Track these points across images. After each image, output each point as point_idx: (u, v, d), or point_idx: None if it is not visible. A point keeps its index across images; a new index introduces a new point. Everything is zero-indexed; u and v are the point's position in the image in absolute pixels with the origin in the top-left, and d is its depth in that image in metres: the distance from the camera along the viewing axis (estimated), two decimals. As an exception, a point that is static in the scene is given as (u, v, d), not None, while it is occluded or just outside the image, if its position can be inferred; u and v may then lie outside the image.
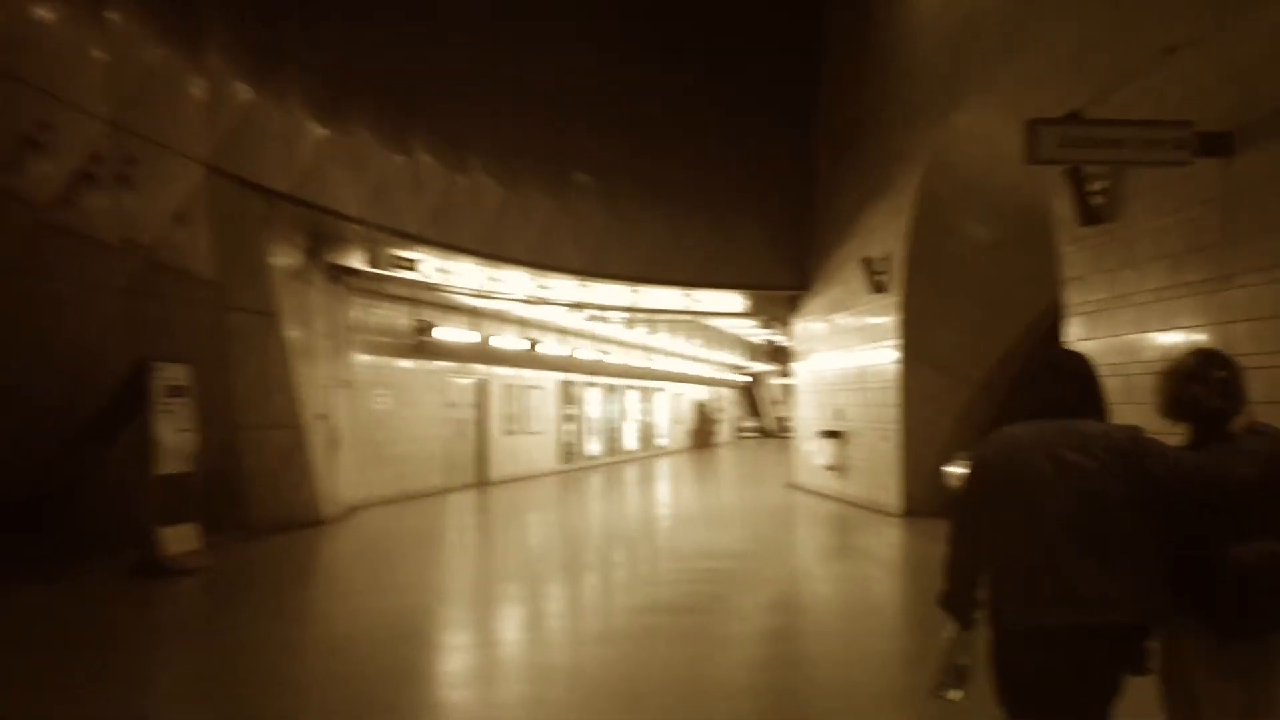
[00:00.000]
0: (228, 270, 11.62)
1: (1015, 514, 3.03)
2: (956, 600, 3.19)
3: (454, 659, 7.34)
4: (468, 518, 16.90)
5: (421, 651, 7.36)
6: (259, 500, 13.09)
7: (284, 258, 12.96)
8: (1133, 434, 3.07)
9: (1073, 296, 10.50)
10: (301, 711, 5.79)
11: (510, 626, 8.49)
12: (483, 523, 16.45)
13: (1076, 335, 10.44)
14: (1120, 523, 2.95)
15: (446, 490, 19.71)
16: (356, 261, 14.44)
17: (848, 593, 9.96)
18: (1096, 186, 9.84)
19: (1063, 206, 10.51)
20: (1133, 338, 9.39)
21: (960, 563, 3.20)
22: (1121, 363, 9.53)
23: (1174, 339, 8.77)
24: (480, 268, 16.58)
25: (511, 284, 17.44)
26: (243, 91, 11.43)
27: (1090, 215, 9.88)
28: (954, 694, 3.18)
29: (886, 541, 13.47)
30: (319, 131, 12.74)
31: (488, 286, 17.01)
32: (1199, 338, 8.45)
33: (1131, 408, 9.05)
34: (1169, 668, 3.20)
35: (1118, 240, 9.65)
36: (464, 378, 20.93)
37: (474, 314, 20.39)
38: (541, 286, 17.96)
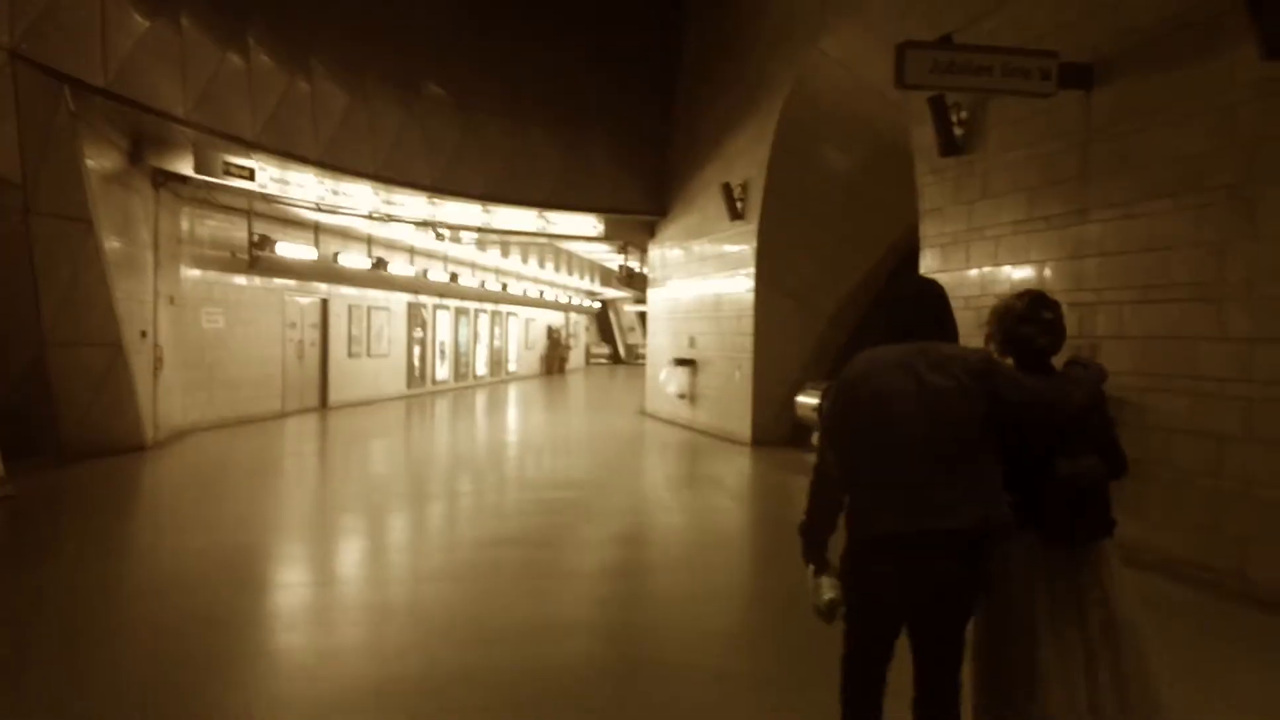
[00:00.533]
0: (32, 171, 10.42)
1: (876, 428, 3.16)
2: (814, 527, 3.37)
3: (284, 599, 6.82)
4: (305, 444, 16.12)
5: (247, 592, 6.79)
6: (72, 424, 12.04)
7: (101, 160, 11.75)
8: (986, 358, 3.27)
9: (929, 228, 10.51)
10: (104, 665, 5.20)
11: (346, 563, 7.99)
12: (321, 449, 15.71)
13: (931, 267, 10.47)
14: (971, 438, 3.13)
15: (285, 415, 18.78)
16: (184, 167, 13.26)
17: (696, 524, 9.83)
18: (958, 117, 9.80)
19: (924, 136, 10.45)
20: (987, 270, 9.45)
21: (821, 492, 3.36)
22: (975, 295, 9.59)
23: (1027, 273, 8.84)
24: (322, 179, 15.57)
25: (357, 198, 16.47)
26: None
27: (951, 146, 9.85)
28: (838, 614, 3.29)
29: (736, 470, 13.48)
30: (139, 22, 11.50)
31: (330, 200, 16.01)
32: (1051, 272, 8.53)
33: (977, 339, 9.11)
34: (1000, 576, 3.32)
35: (976, 173, 9.65)
36: (305, 297, 19.88)
37: (317, 230, 19.29)
38: (389, 202, 17.05)
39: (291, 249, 17.77)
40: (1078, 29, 8.25)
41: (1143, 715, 3.31)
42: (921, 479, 3.10)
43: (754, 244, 15.23)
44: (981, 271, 9.50)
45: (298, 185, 15.26)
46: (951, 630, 3.22)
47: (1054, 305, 3.60)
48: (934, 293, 3.45)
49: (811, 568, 3.37)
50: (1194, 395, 7.13)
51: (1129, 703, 3.30)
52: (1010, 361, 3.54)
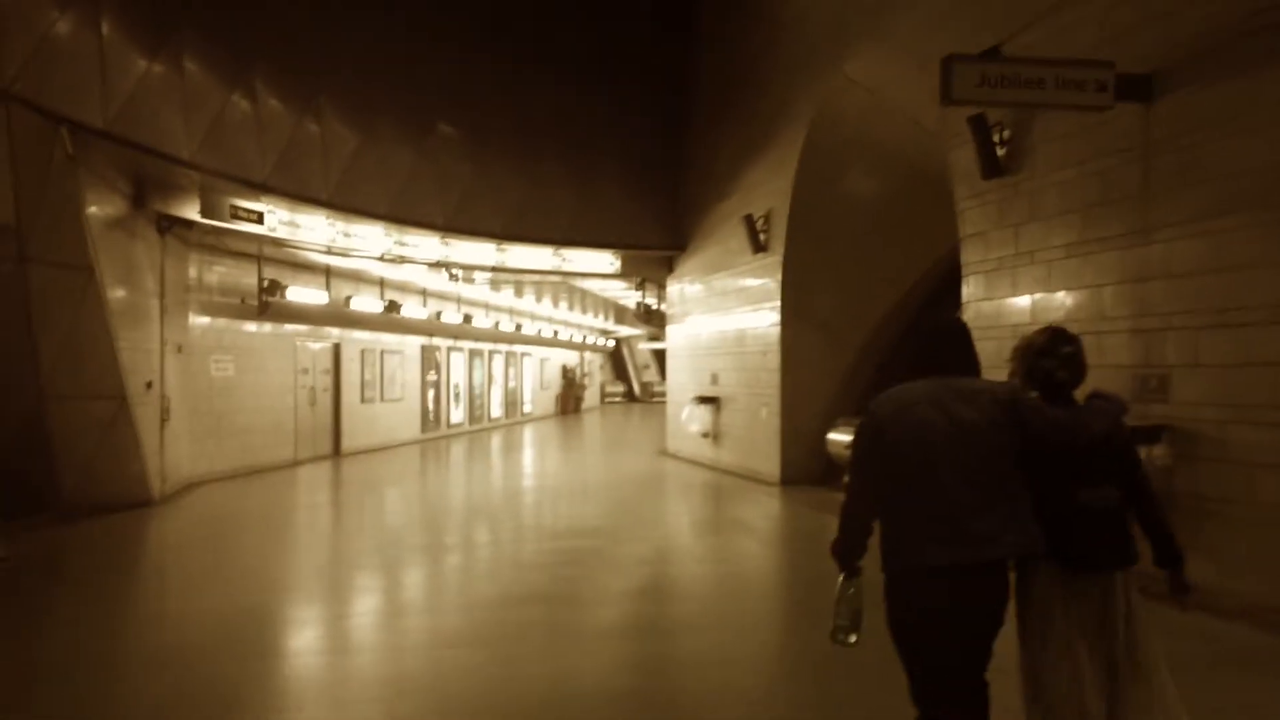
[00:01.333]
0: (28, 216, 9.98)
1: (909, 463, 3.33)
2: (848, 549, 3.51)
3: (293, 671, 6.24)
4: (318, 494, 15.57)
5: (254, 663, 6.22)
6: (74, 480, 11.54)
7: (102, 205, 11.32)
8: (1012, 389, 3.48)
9: (971, 255, 9.96)
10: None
11: (360, 627, 7.41)
12: (333, 500, 15.15)
13: (975, 295, 9.91)
14: (1001, 469, 3.32)
15: (297, 463, 18.26)
16: (190, 212, 12.84)
17: (725, 575, 9.16)
18: (1000, 136, 9.30)
19: (963, 159, 9.94)
20: (1039, 296, 8.88)
21: (855, 513, 3.49)
22: (1024, 323, 9.02)
23: (1083, 298, 8.28)
24: (333, 221, 15.13)
25: (368, 240, 16.04)
26: (48, 14, 9.76)
27: (993, 167, 9.33)
28: (851, 638, 3.52)
29: (765, 513, 12.85)
30: (140, 62, 11.11)
31: (341, 243, 15.58)
32: (1111, 297, 7.97)
33: (1008, 375, 8.48)
34: (1023, 600, 3.58)
35: (1022, 194, 9.12)
36: (317, 342, 19.42)
37: (328, 273, 18.87)
38: (400, 243, 16.60)
39: (302, 294, 17.34)
40: (1127, 41, 7.75)
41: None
42: (960, 511, 3.26)
43: (778, 276, 14.71)
44: (1033, 298, 8.94)
45: (308, 228, 14.83)
46: (986, 642, 3.39)
47: (1074, 340, 3.72)
48: (957, 328, 3.65)
49: (843, 578, 3.56)
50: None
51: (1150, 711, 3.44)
52: (1034, 395, 3.67)
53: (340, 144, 14.83)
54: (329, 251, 15.86)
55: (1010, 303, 9.27)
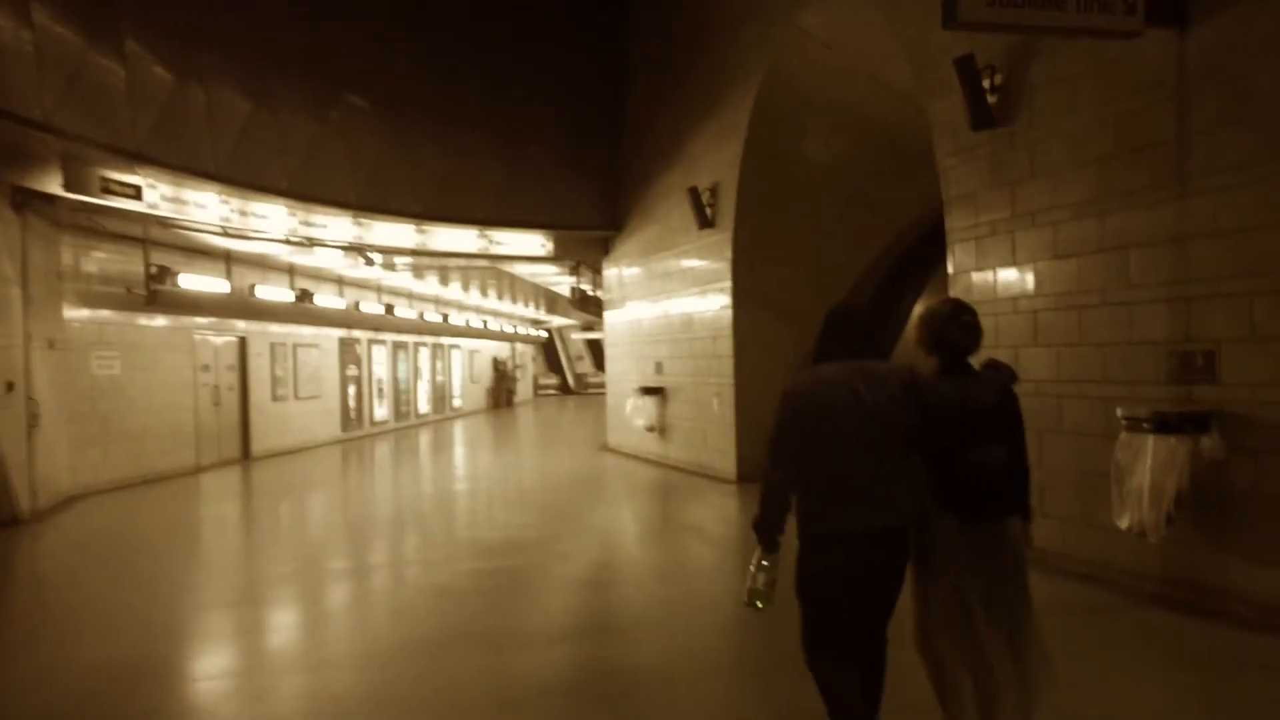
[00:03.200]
0: None
1: (821, 439, 3.68)
2: (769, 523, 3.76)
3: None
4: (219, 506, 13.88)
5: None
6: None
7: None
8: (911, 370, 3.83)
9: (957, 220, 8.72)
10: None
11: (256, 685, 5.91)
12: (237, 513, 13.47)
13: (962, 265, 8.68)
14: (902, 443, 3.69)
15: (200, 470, 16.48)
16: (52, 185, 11.05)
17: (683, 598, 7.72)
18: (992, 81, 8.05)
19: (945, 109, 8.68)
20: (1043, 265, 7.65)
21: (773, 487, 3.77)
22: (1026, 294, 7.81)
23: (1101, 263, 7.07)
24: (226, 199, 13.41)
25: (270, 221, 14.33)
26: None
27: (984, 117, 8.08)
28: (762, 604, 3.81)
29: (722, 515, 11.54)
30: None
31: (238, 223, 13.86)
32: (1139, 260, 6.77)
33: (1039, 350, 7.14)
34: (922, 557, 3.87)
35: (1019, 146, 7.88)
36: (220, 335, 17.63)
37: (229, 259, 17.09)
38: (307, 224, 14.93)
39: (198, 282, 15.56)
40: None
41: (1027, 655, 3.81)
42: (866, 482, 3.65)
43: (728, 254, 13.39)
44: (1035, 266, 7.71)
45: (197, 206, 13.09)
46: (887, 604, 3.77)
47: (971, 310, 4.00)
48: (864, 316, 3.97)
49: (760, 551, 3.79)
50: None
51: (1022, 649, 3.80)
52: (936, 361, 3.95)
53: (230, 110, 13.13)
54: (225, 233, 14.13)
55: (1008, 273, 8.04)
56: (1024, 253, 7.85)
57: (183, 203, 12.80)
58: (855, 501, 3.63)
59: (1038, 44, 7.62)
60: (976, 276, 8.44)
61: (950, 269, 8.82)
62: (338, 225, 15.49)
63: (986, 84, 8.01)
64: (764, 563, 3.78)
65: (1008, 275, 8.03)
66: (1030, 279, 7.78)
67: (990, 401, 3.85)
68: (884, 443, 3.65)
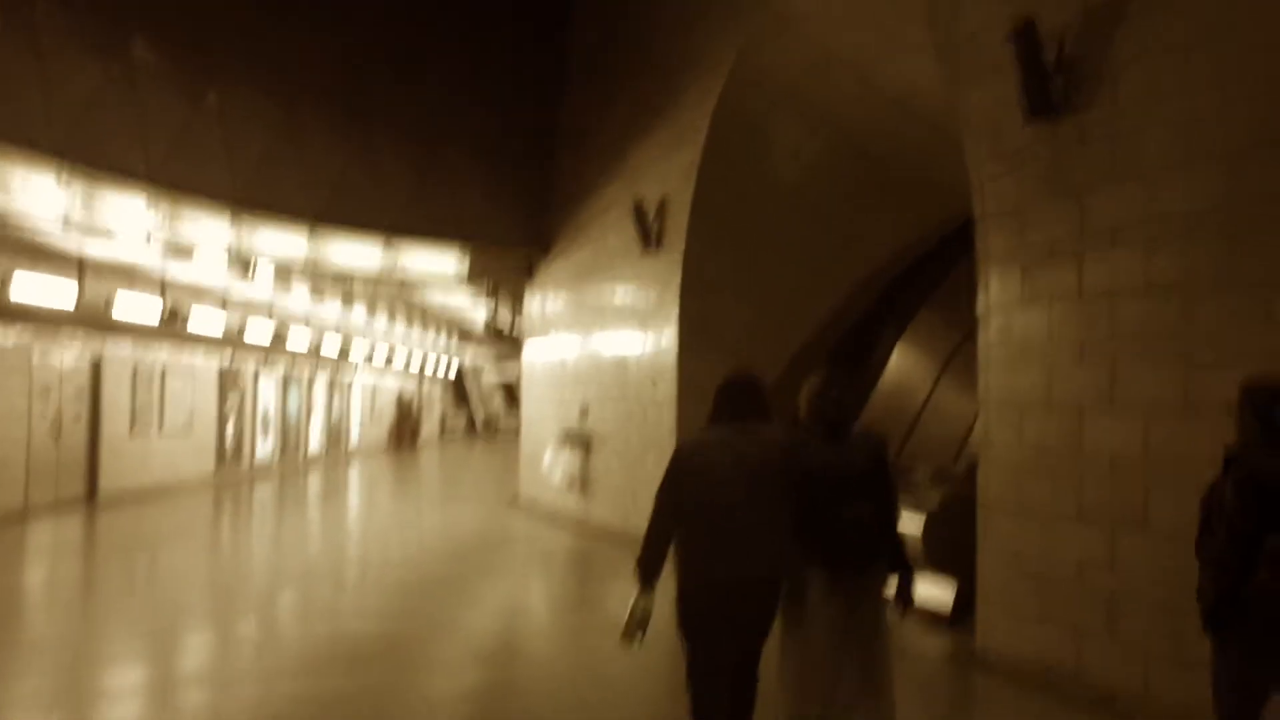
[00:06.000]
0: None
1: (703, 493, 4.04)
2: (649, 566, 4.09)
3: None
4: (33, 569, 11.09)
5: None
6: None
7: None
8: (789, 435, 4.24)
9: (995, 241, 6.73)
10: None
11: None
12: (56, 577, 10.73)
13: (1000, 299, 6.68)
14: (774, 501, 4.07)
15: (27, 513, 13.64)
16: None
17: (589, 704, 5.56)
18: (1058, 53, 6.12)
19: (983, 102, 6.74)
20: (1127, 300, 5.67)
21: (655, 535, 4.10)
22: (1092, 340, 5.82)
23: (1227, 293, 5.11)
24: (67, 182, 10.84)
25: (125, 215, 11.76)
26: None
27: (1043, 102, 6.13)
28: (637, 640, 4.11)
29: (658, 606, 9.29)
30: None
31: (82, 215, 11.27)
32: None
33: (1115, 419, 5.07)
34: (791, 604, 4.25)
35: (1093, 140, 5.93)
36: (64, 356, 14.87)
37: (81, 265, 14.41)
38: (173, 221, 12.37)
39: (36, 289, 12.86)
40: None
41: (881, 699, 4.21)
42: (738, 536, 4.00)
43: (676, 281, 11.29)
44: (1114, 301, 5.73)
45: (26, 191, 10.52)
46: (757, 640, 4.19)
47: (839, 387, 4.41)
48: (748, 383, 4.28)
49: (639, 589, 4.10)
50: None
51: (872, 691, 4.20)
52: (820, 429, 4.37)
53: (69, 73, 10.61)
54: (70, 230, 11.51)
55: (1070, 310, 6.05)
56: (1097, 281, 5.88)
57: (4, 189, 10.22)
58: (731, 552, 3.98)
59: (1126, 5, 5.72)
60: (1020, 317, 6.44)
61: (981, 306, 6.82)
62: (212, 226, 12.96)
63: (1051, 59, 6.08)
64: (640, 603, 4.08)
65: (1070, 312, 6.05)
66: (1105, 318, 5.80)
67: (859, 467, 4.28)
68: (760, 498, 4.02)
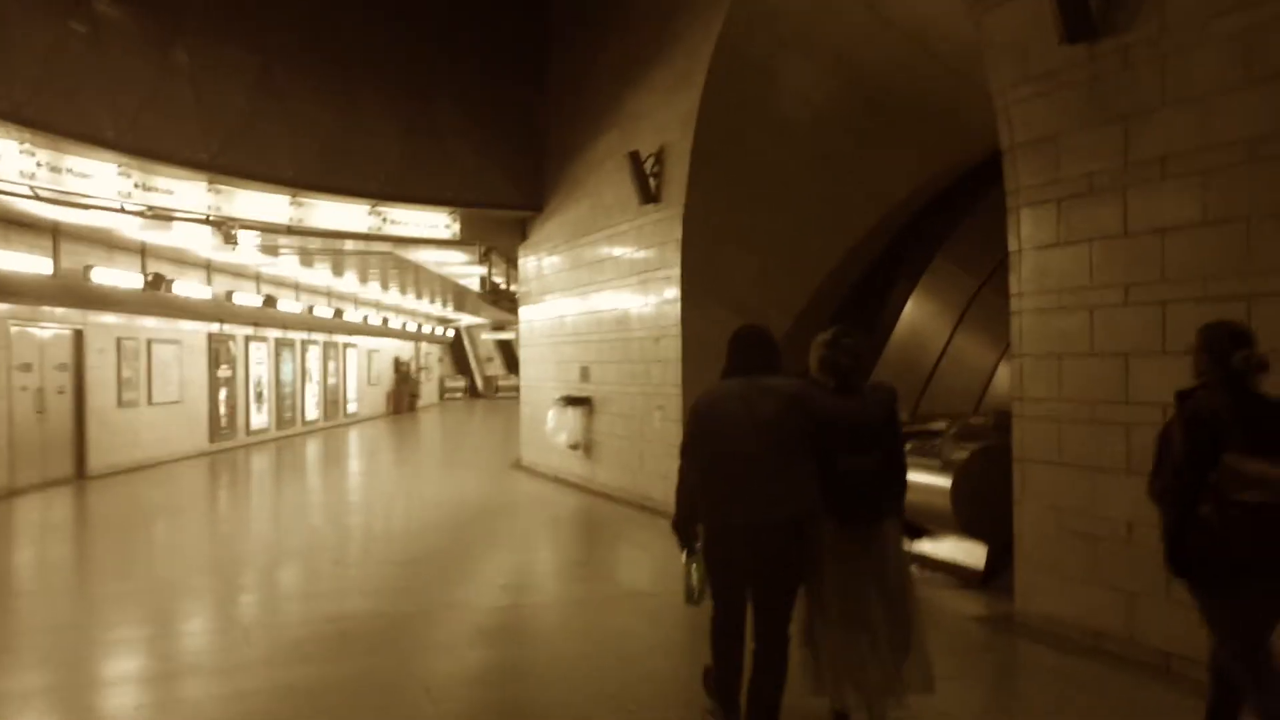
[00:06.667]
0: None
1: (720, 444, 4.18)
2: (684, 521, 4.33)
3: None
4: (17, 550, 10.67)
5: None
6: None
7: None
8: (801, 386, 4.30)
9: (1026, 174, 6.24)
10: None
11: None
12: (41, 559, 10.32)
13: (1034, 239, 6.22)
14: (789, 449, 4.13)
15: (14, 493, 13.23)
16: None
17: (611, 697, 5.17)
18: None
19: (1010, 22, 6.21)
20: (1180, 236, 5.20)
21: (685, 494, 4.33)
22: (1139, 281, 5.36)
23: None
24: (30, 149, 10.27)
25: (95, 181, 11.21)
26: None
27: (1084, 22, 5.61)
28: (698, 600, 4.28)
29: (662, 565, 8.85)
30: None
31: (48, 180, 10.70)
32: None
33: (1169, 361, 4.66)
34: (810, 556, 4.21)
35: (1143, 62, 5.42)
36: (45, 327, 14.39)
37: (56, 234, 13.89)
38: (147, 188, 11.81)
39: (7, 260, 12.35)
40: None
41: (902, 650, 4.23)
42: (755, 482, 4.11)
43: (677, 234, 10.79)
44: (1166, 239, 5.26)
45: (-11, 157, 9.98)
46: (783, 589, 4.19)
47: (855, 334, 4.47)
48: (763, 335, 4.40)
49: (685, 552, 4.33)
50: None
51: (895, 642, 4.22)
52: (832, 381, 4.38)
53: (29, 31, 10.03)
54: (35, 196, 10.96)
55: (1115, 249, 5.58)
56: (1145, 218, 5.40)
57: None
58: (748, 499, 4.10)
59: (1175, -89, 5.19)
60: (1057, 255, 5.97)
61: (1013, 245, 6.34)
62: (188, 192, 12.40)
63: (1090, -28, 5.55)
64: (690, 564, 4.31)
65: (1115, 252, 5.57)
66: (1155, 257, 5.33)
67: (871, 417, 4.34)
68: (774, 448, 4.11)
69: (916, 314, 10.79)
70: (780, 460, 4.09)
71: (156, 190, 12.01)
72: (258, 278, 21.24)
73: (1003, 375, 11.31)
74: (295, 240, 15.90)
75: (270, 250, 17.62)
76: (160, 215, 12.52)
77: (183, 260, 17.62)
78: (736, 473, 4.11)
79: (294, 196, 13.51)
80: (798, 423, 4.13)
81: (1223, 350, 3.59)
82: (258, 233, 14.65)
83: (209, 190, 12.54)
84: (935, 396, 10.74)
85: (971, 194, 10.10)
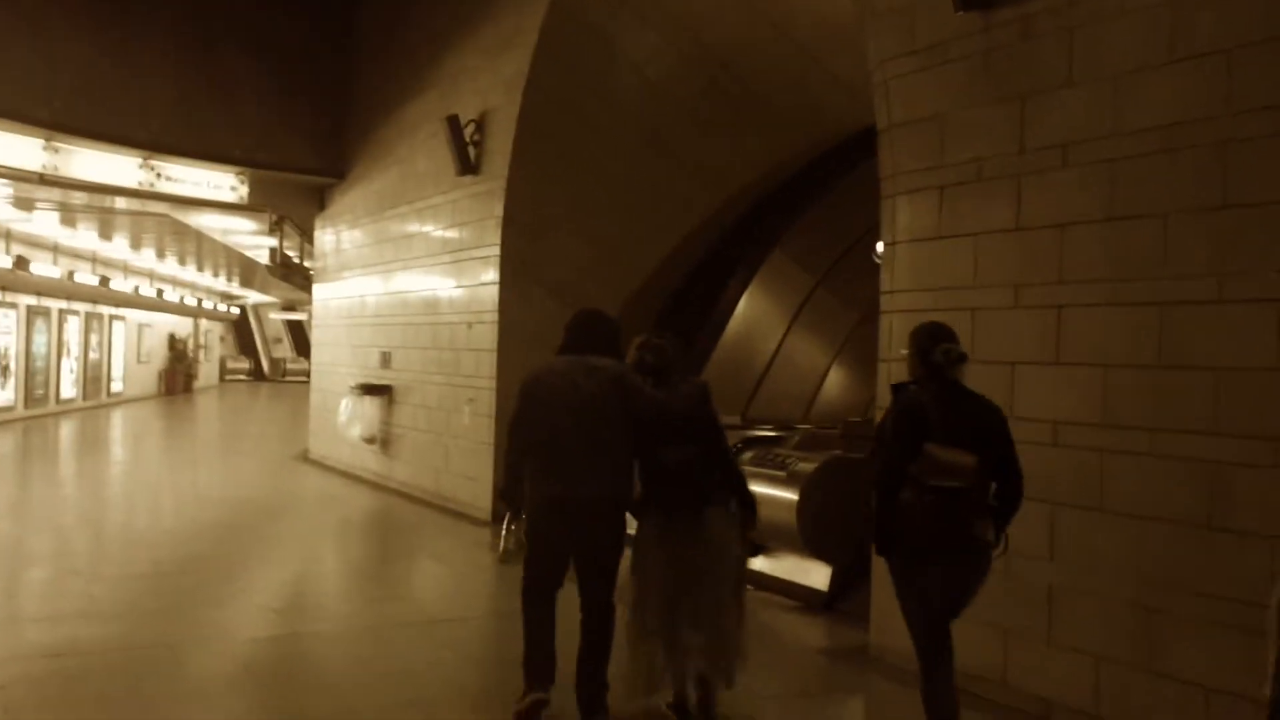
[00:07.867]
0: None
1: (541, 420, 4.34)
2: (511, 490, 4.46)
3: None
4: None
5: None
6: None
7: None
8: (623, 370, 4.43)
9: (904, 158, 5.62)
10: None
11: None
12: None
13: (908, 231, 5.63)
14: (606, 429, 4.29)
15: None
16: None
17: None
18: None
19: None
20: (1081, 231, 4.65)
21: (511, 465, 4.46)
22: (1031, 282, 4.81)
23: (1218, 227, 4.15)
24: None
25: None
26: None
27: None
28: (512, 562, 4.47)
29: (469, 582, 7.92)
30: None
31: None
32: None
33: (1060, 373, 4.09)
34: (635, 540, 4.46)
35: (1044, 34, 4.86)
36: None
37: None
38: None
39: None
40: None
41: (715, 632, 4.30)
42: (570, 458, 4.27)
43: (498, 211, 9.76)
44: (1065, 234, 4.69)
45: None
46: (599, 563, 4.34)
47: (662, 336, 4.74)
48: (598, 317, 4.66)
49: (509, 516, 4.49)
50: None
51: (703, 623, 4.29)
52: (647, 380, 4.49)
53: None
54: None
55: (1005, 244, 4.99)
56: (1042, 211, 4.83)
57: None
58: (565, 472, 4.27)
59: None
60: (937, 249, 5.36)
61: (886, 239, 5.69)
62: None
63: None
64: (512, 526, 4.47)
65: (1005, 248, 4.99)
66: (1052, 255, 4.76)
67: (682, 409, 4.43)
68: (594, 425, 4.26)
69: (750, 311, 10.20)
70: (600, 437, 4.27)
71: None
72: (8, 235, 18.63)
73: (833, 381, 10.95)
74: (55, 194, 13.85)
75: (25, 205, 15.37)
76: None
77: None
78: (557, 447, 4.28)
79: (48, 140, 11.60)
80: (619, 403, 4.30)
81: (924, 347, 3.87)
82: (4, 181, 12.59)
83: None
84: (766, 400, 10.19)
85: (821, 184, 9.55)
